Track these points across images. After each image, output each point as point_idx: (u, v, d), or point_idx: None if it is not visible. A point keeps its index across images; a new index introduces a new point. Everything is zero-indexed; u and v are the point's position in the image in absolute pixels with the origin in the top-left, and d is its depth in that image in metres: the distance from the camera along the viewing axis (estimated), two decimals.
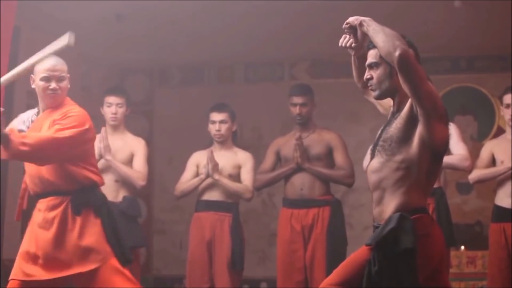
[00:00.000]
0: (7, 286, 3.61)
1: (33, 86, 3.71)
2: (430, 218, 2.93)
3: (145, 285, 5.02)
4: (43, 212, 3.61)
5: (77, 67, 6.83)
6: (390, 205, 2.86)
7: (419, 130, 2.82)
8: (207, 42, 6.72)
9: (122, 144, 5.02)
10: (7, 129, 3.47)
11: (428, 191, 2.94)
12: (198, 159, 5.18)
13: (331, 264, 4.39)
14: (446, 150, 2.94)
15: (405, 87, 2.80)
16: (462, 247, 6.51)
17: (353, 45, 3.02)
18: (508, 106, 4.94)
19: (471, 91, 7.13)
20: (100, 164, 4.89)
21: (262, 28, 6.37)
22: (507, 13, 5.73)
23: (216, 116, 5.14)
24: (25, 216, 3.85)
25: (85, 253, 3.56)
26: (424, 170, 2.85)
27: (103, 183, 3.76)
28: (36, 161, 3.56)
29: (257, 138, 7.14)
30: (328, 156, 5.05)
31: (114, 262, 3.58)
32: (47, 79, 3.64)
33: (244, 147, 5.33)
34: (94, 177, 3.68)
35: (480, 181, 5.09)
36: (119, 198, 4.94)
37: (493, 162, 5.00)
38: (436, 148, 2.85)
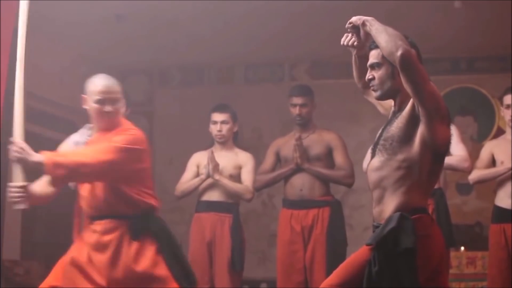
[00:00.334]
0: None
1: (85, 106, 3.56)
2: (430, 219, 2.92)
3: None
4: (98, 234, 3.47)
5: (77, 68, 6.84)
6: (390, 204, 2.85)
7: (421, 130, 2.82)
8: (207, 43, 6.72)
9: None
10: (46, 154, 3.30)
11: (428, 191, 2.93)
12: (198, 160, 5.19)
13: (331, 265, 4.38)
14: (447, 150, 2.93)
15: (407, 87, 2.79)
16: (462, 248, 6.51)
17: (355, 44, 3.02)
18: (508, 106, 4.93)
19: (471, 92, 7.14)
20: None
21: (262, 29, 6.37)
22: (507, 14, 5.74)
23: (218, 117, 5.14)
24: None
25: (140, 277, 3.43)
26: (425, 170, 2.84)
27: (160, 206, 3.64)
28: (79, 181, 3.45)
29: (257, 139, 7.14)
30: (328, 157, 5.05)
31: (174, 286, 3.44)
32: (101, 101, 3.48)
33: (244, 148, 5.33)
34: (151, 200, 3.56)
35: (480, 182, 5.09)
36: None
37: (493, 162, 5.00)
38: (438, 148, 2.84)
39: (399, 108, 2.93)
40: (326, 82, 7.21)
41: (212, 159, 5.00)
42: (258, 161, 5.23)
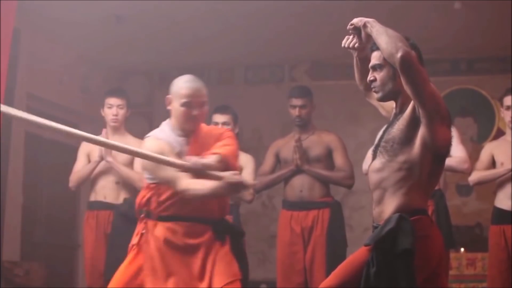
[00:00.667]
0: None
1: (169, 107, 3.57)
2: (429, 220, 2.92)
3: None
4: (182, 236, 3.46)
5: (77, 69, 6.85)
6: (390, 205, 2.85)
7: (422, 131, 2.82)
8: (207, 44, 6.72)
9: None
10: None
11: (429, 192, 2.93)
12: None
13: (331, 266, 4.37)
14: (448, 152, 2.93)
15: (407, 88, 2.79)
16: (462, 249, 6.51)
17: (356, 45, 3.02)
18: (508, 108, 4.94)
19: (471, 93, 7.13)
20: (101, 165, 4.88)
21: (262, 30, 6.37)
22: (507, 15, 5.74)
23: (219, 118, 5.13)
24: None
25: (216, 274, 3.45)
26: (425, 172, 2.84)
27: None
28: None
29: (257, 140, 7.14)
30: (327, 158, 5.05)
31: (238, 285, 3.48)
32: (189, 105, 3.50)
33: (244, 149, 5.32)
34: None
35: (480, 183, 5.09)
36: (120, 200, 4.94)
37: (493, 164, 5.00)
38: (438, 149, 2.84)
39: (400, 110, 2.93)
40: (326, 83, 7.21)
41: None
42: (258, 162, 5.23)
